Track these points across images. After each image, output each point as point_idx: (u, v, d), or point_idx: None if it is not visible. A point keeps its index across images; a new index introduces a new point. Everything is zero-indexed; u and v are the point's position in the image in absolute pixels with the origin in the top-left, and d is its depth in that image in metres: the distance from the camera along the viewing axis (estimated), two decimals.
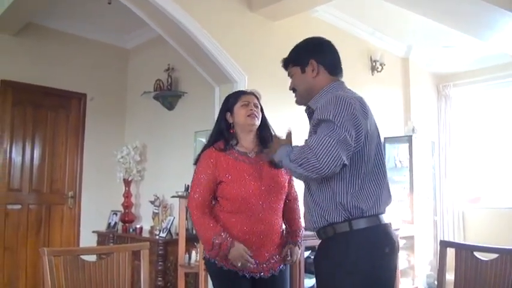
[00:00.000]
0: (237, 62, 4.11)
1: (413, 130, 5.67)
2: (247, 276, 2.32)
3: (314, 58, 1.99)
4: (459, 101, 6.72)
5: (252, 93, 2.55)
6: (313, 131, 1.82)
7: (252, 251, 2.30)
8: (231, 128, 2.48)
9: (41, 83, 5.28)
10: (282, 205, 2.46)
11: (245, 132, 2.47)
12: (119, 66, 6.07)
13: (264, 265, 2.35)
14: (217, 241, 2.25)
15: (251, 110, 2.44)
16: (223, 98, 4.19)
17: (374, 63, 5.48)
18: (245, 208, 2.32)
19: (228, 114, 2.49)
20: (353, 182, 1.79)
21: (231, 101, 2.51)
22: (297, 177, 1.92)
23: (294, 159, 1.75)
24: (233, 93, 2.62)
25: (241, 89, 2.68)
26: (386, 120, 5.36)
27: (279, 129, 4.28)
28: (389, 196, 1.92)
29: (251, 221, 2.32)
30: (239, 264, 2.25)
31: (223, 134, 2.47)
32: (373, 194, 1.83)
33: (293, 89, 2.10)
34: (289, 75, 2.12)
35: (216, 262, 2.32)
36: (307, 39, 2.13)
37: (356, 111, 1.78)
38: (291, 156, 1.77)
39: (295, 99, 2.12)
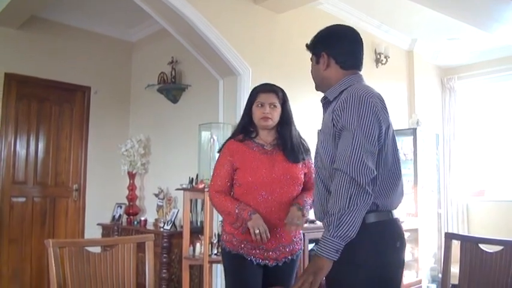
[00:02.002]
0: (241, 55, 4.10)
1: (417, 123, 5.64)
2: (254, 262, 2.43)
3: (325, 51, 1.94)
4: (463, 94, 6.70)
5: (270, 91, 2.57)
6: (336, 135, 1.79)
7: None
8: (252, 122, 2.59)
9: (45, 76, 5.29)
10: (293, 197, 2.48)
11: (261, 129, 2.58)
12: (123, 60, 6.07)
13: (270, 253, 2.43)
14: (238, 210, 2.39)
15: (264, 112, 2.51)
16: (227, 91, 4.27)
17: (378, 56, 5.46)
18: (255, 193, 2.42)
19: (250, 110, 2.59)
20: (374, 180, 1.75)
21: (251, 98, 2.59)
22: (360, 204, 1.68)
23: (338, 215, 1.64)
24: (254, 89, 2.63)
25: (263, 83, 2.66)
26: (390, 113, 5.33)
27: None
28: (402, 194, 1.91)
29: (261, 207, 2.40)
30: (256, 231, 2.32)
31: (245, 127, 2.59)
32: (389, 191, 1.82)
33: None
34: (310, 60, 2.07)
35: (226, 248, 2.48)
36: (324, 28, 2.03)
37: (378, 111, 1.76)
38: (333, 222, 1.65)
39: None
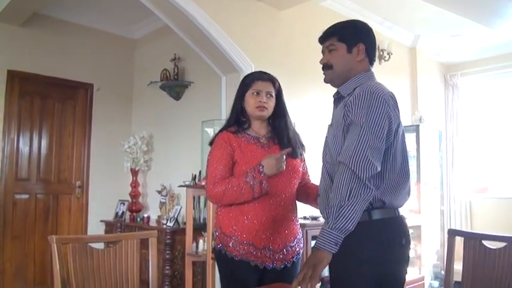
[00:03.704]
0: (244, 51, 4.09)
1: (420, 120, 5.64)
2: (260, 266, 2.24)
3: (364, 42, 1.93)
4: (466, 91, 6.67)
5: (268, 80, 2.41)
6: (345, 129, 1.78)
7: (267, 237, 2.24)
8: (244, 112, 2.42)
9: (48, 73, 5.29)
10: (295, 191, 2.38)
11: (255, 120, 2.41)
12: (126, 57, 6.07)
13: (279, 254, 2.27)
14: (248, 177, 2.19)
15: (260, 101, 2.34)
16: (229, 88, 4.26)
17: (381, 53, 5.45)
18: None
19: (242, 98, 2.41)
20: (380, 178, 1.77)
21: (245, 85, 2.42)
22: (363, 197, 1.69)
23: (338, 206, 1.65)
24: (249, 75, 2.48)
25: (259, 71, 2.51)
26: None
27: None
28: (409, 193, 1.91)
29: (265, 204, 2.25)
30: (283, 167, 2.22)
31: (237, 117, 2.41)
32: (396, 189, 1.82)
33: (326, 65, 1.97)
34: (327, 48, 1.97)
35: (227, 253, 2.25)
36: (356, 20, 2.02)
37: (389, 108, 1.76)
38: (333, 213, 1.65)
39: (324, 76, 1.99)
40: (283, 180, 2.30)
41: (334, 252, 1.64)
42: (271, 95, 2.39)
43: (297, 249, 2.36)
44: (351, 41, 1.92)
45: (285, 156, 2.23)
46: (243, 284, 2.25)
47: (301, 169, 2.42)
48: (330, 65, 1.95)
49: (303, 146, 2.48)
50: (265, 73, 2.45)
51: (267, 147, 2.37)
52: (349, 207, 1.63)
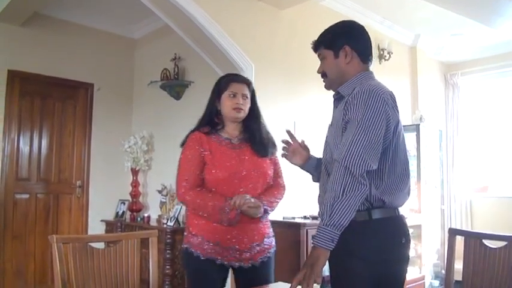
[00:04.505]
0: (244, 51, 4.09)
1: (420, 119, 5.64)
2: (226, 265, 2.29)
3: (348, 43, 1.91)
4: (467, 90, 6.68)
5: (243, 82, 2.46)
6: (343, 127, 1.78)
7: (233, 237, 2.27)
8: (219, 113, 2.44)
9: (48, 73, 5.30)
10: (261, 193, 2.39)
11: (229, 121, 2.44)
12: (126, 56, 6.07)
13: (245, 254, 2.29)
14: (224, 215, 2.22)
15: (237, 103, 2.38)
16: None
17: (381, 52, 5.45)
18: (226, 191, 2.28)
19: (217, 100, 2.44)
20: (380, 177, 1.77)
21: (221, 87, 2.44)
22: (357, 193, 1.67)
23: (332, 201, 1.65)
24: (224, 77, 2.52)
25: (234, 73, 2.55)
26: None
27: (284, 120, 4.28)
28: (409, 193, 1.92)
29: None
30: (252, 212, 2.24)
31: (211, 118, 2.44)
32: (396, 189, 1.82)
33: (323, 73, 2.00)
34: (319, 57, 2.00)
35: (193, 252, 2.28)
36: (340, 22, 2.02)
37: (387, 107, 1.76)
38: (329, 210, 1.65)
39: (324, 84, 2.02)
40: (252, 182, 2.33)
41: (330, 249, 1.63)
42: (246, 97, 2.43)
43: (267, 248, 2.38)
44: (334, 46, 1.92)
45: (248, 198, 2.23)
46: (209, 282, 2.30)
47: (270, 172, 2.43)
48: (324, 73, 1.99)
49: (275, 146, 2.51)
50: (240, 75, 2.51)
51: (239, 148, 2.40)
52: (343, 204, 1.63)
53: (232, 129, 2.44)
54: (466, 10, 4.55)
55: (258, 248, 2.34)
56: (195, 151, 2.33)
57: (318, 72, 2.02)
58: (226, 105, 2.40)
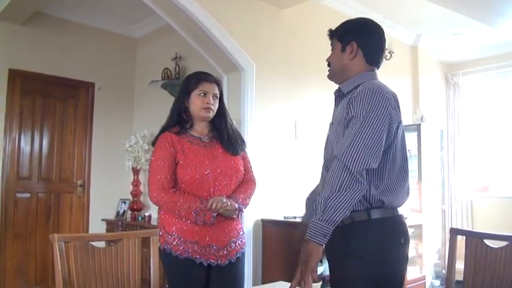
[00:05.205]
0: (245, 50, 4.09)
1: (421, 119, 5.63)
2: (205, 263, 2.28)
3: (356, 40, 1.90)
4: (468, 90, 6.67)
5: (214, 82, 2.47)
6: (345, 125, 1.78)
7: (211, 236, 2.28)
8: (187, 111, 2.46)
9: (49, 72, 5.29)
10: (233, 190, 2.42)
11: (198, 120, 2.46)
12: (127, 56, 6.07)
13: (223, 251, 2.31)
14: (199, 216, 2.24)
15: (207, 103, 2.40)
16: (231, 87, 4.26)
17: None
18: (201, 190, 2.29)
19: (186, 97, 2.45)
20: (380, 177, 1.77)
21: (191, 85, 2.44)
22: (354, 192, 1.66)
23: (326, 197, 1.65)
24: (194, 75, 2.51)
25: (203, 72, 2.54)
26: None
27: (285, 119, 4.28)
28: (408, 193, 1.91)
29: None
30: (228, 214, 2.28)
31: (181, 117, 2.45)
32: (395, 189, 1.82)
33: (329, 62, 2.01)
34: (331, 46, 2.01)
35: (172, 252, 2.27)
36: (358, 18, 2.04)
37: (390, 107, 1.75)
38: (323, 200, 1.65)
39: (328, 73, 2.02)
40: (225, 180, 2.36)
41: (323, 244, 1.63)
42: (216, 97, 2.45)
43: (240, 244, 2.41)
44: (344, 39, 1.93)
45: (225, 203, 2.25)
46: (190, 282, 2.29)
47: (242, 168, 2.46)
48: (329, 63, 2.01)
49: (243, 142, 2.53)
50: (210, 75, 2.51)
51: (209, 146, 2.42)
52: (337, 200, 1.62)
53: (201, 127, 2.46)
54: (467, 10, 4.55)
55: (234, 245, 2.36)
56: (166, 152, 2.33)
57: (326, 60, 2.03)
58: (195, 104, 2.42)
